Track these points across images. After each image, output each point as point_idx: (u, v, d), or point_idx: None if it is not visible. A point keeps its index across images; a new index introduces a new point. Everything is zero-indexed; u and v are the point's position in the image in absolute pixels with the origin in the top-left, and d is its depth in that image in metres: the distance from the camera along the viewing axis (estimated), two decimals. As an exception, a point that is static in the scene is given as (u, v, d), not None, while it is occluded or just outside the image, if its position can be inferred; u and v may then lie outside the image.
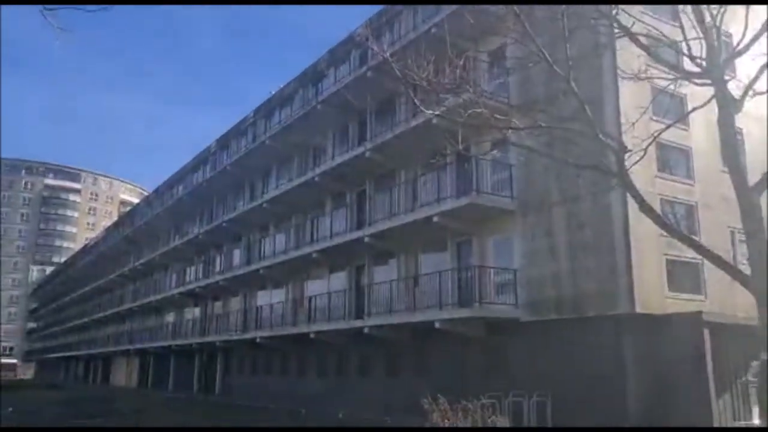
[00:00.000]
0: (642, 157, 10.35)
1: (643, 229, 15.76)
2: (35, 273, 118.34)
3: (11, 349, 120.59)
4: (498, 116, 10.56)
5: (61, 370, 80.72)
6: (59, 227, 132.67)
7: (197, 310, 41.92)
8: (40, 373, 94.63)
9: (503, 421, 10.84)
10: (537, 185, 18.68)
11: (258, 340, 30.12)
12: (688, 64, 10.81)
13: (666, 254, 16.89)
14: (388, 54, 11.98)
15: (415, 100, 11.07)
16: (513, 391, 16.06)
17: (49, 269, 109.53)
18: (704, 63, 9.84)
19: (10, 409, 27.30)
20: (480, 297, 18.90)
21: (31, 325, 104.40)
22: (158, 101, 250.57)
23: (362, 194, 26.37)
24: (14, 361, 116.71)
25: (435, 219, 19.88)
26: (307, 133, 29.96)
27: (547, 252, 18.05)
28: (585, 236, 17.14)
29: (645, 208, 9.84)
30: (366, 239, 23.20)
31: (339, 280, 26.98)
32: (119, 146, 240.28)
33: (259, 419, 20.65)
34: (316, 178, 27.22)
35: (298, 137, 30.52)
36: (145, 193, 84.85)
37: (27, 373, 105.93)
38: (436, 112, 12.71)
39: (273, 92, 35.52)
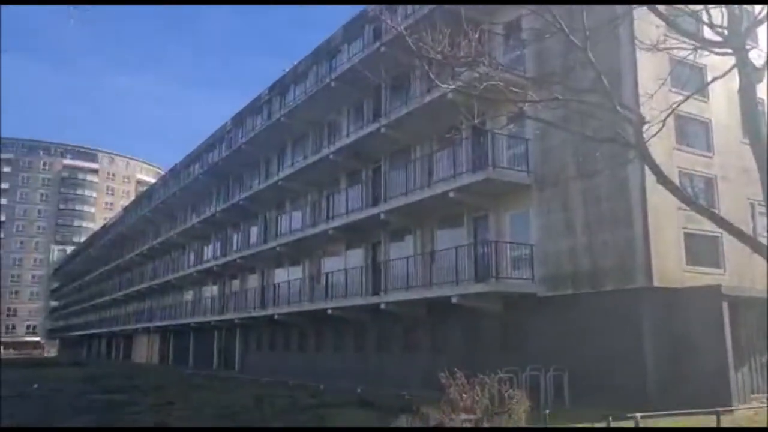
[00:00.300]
0: (660, 129, 10.20)
1: (660, 203, 15.64)
2: (56, 253, 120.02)
3: (34, 327, 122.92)
4: (514, 89, 10.43)
5: (84, 347, 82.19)
6: (78, 207, 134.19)
7: (215, 288, 42.38)
8: (64, 350, 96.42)
9: (520, 395, 10.85)
10: (553, 159, 18.54)
11: (276, 316, 30.42)
12: (708, 33, 10.60)
13: (684, 228, 16.75)
14: (402, 27, 11.85)
15: (431, 74, 10.96)
16: (530, 365, 16.11)
17: (69, 249, 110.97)
18: (725, 32, 9.63)
19: (36, 385, 27.86)
20: (496, 272, 18.90)
21: (54, 303, 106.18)
22: (171, 82, 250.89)
23: (377, 171, 26.33)
24: (38, 339, 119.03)
25: (451, 195, 19.83)
26: (321, 109, 29.90)
27: (564, 226, 17.97)
28: (602, 210, 17.03)
29: (663, 180, 9.71)
30: (382, 216, 23.23)
31: (355, 256, 27.09)
32: (134, 127, 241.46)
33: (278, 394, 20.92)
34: (331, 156, 27.20)
35: (313, 114, 30.48)
36: (162, 173, 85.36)
37: (51, 350, 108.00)
38: (452, 87, 12.59)
39: (287, 69, 35.43)
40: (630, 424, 11.13)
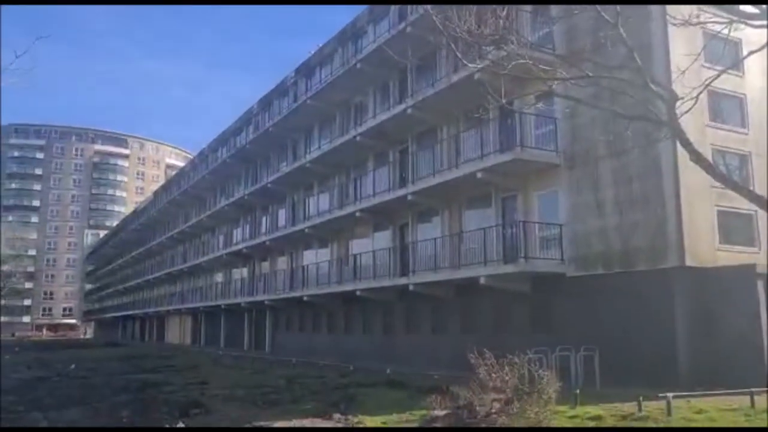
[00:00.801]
0: (693, 106, 9.99)
1: (693, 181, 15.40)
2: (90, 237, 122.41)
3: (70, 309, 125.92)
4: (543, 67, 10.29)
5: (119, 328, 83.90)
6: (110, 192, 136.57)
7: (245, 270, 42.89)
8: (99, 332, 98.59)
9: (550, 375, 10.84)
10: (583, 138, 18.31)
11: (305, 298, 30.71)
12: (744, 6, 10.31)
13: (717, 205, 16.48)
14: (428, 6, 11.75)
15: (457, 53, 10.86)
16: (560, 345, 16.06)
17: (102, 233, 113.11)
18: (763, 4, 9.36)
19: (73, 366, 28.61)
20: (525, 253, 18.82)
21: (89, 286, 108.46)
22: (198, 66, 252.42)
23: (404, 152, 26.27)
24: (74, 321, 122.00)
25: (479, 175, 19.73)
26: (347, 91, 29.86)
27: (594, 206, 17.77)
28: (633, 189, 16.81)
29: (697, 158, 9.53)
30: (409, 197, 23.21)
31: (383, 238, 27.16)
32: (162, 111, 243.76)
33: (308, 375, 21.19)
34: (358, 137, 27.21)
35: (339, 96, 30.45)
36: (190, 157, 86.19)
37: (87, 332, 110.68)
38: (479, 66, 12.47)
39: (312, 51, 35.40)
40: (662, 404, 11.06)
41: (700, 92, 10.22)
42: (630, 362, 15.66)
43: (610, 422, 10.42)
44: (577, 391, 12.30)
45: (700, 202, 16.15)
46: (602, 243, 17.47)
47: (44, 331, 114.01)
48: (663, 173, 16.16)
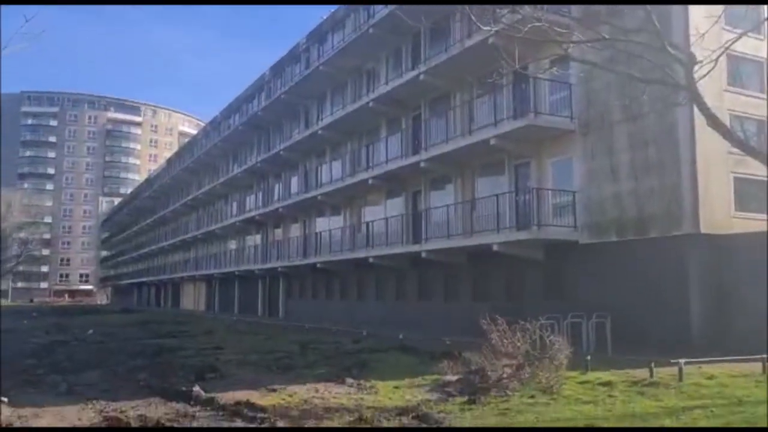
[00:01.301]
0: (711, 69, 9.80)
1: (710, 147, 15.20)
2: (104, 204, 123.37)
3: (87, 276, 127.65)
4: (559, 30, 10.11)
5: (134, 295, 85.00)
6: (123, 159, 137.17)
7: (258, 237, 43.16)
8: (115, 298, 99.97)
9: (561, 341, 10.88)
10: (598, 103, 18.07)
11: (318, 264, 30.90)
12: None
13: (734, 172, 16.30)
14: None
15: (472, 17, 10.68)
16: (572, 312, 16.09)
17: (117, 200, 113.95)
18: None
19: (90, 331, 29.07)
20: (538, 220, 18.76)
21: (104, 253, 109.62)
22: (209, 33, 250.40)
23: (417, 118, 26.10)
24: (90, 287, 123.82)
25: (492, 142, 19.59)
26: (360, 57, 29.58)
27: (609, 172, 17.62)
28: (649, 155, 16.62)
29: (715, 123, 9.40)
30: (422, 164, 23.12)
31: (396, 205, 27.16)
32: (174, 79, 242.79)
33: (321, 340, 21.41)
34: (371, 104, 27.02)
35: (352, 62, 30.18)
36: (203, 124, 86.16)
37: (103, 298, 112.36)
38: (494, 30, 12.26)
39: (324, 17, 34.96)
40: (673, 370, 11.08)
41: (719, 55, 10.03)
42: (642, 329, 15.68)
43: (621, 387, 10.44)
44: (588, 357, 12.33)
45: (716, 169, 15.97)
46: (616, 210, 17.36)
47: (65, 296, 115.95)
48: (679, 139, 15.95)
